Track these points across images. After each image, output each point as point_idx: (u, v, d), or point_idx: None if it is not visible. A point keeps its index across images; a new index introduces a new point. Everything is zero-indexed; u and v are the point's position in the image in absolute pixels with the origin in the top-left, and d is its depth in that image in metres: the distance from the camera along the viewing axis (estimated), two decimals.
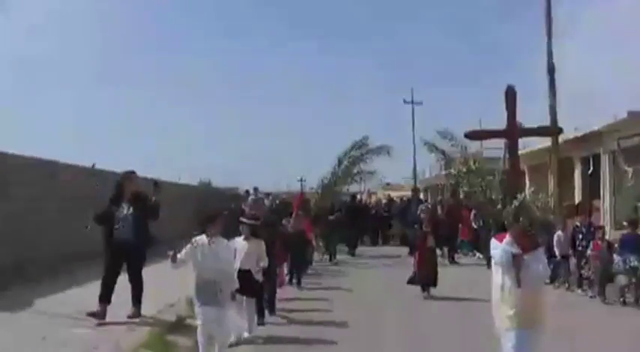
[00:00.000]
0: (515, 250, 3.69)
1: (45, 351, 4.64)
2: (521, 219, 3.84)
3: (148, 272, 5.89)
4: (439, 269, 7.85)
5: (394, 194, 25.02)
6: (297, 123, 76.49)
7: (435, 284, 7.61)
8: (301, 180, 15.88)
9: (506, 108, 8.31)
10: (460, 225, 12.85)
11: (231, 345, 4.88)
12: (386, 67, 70.06)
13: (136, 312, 5.58)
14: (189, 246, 4.55)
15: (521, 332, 3.63)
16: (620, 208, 12.92)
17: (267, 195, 15.57)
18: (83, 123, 51.06)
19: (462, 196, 13.59)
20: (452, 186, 22.44)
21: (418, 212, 9.08)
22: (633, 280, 7.00)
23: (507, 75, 58.43)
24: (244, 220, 5.49)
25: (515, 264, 3.64)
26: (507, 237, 3.79)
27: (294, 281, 8.42)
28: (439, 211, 12.80)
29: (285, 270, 8.30)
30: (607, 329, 5.92)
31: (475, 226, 12.41)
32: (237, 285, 4.77)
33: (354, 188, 18.27)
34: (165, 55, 60.67)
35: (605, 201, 13.24)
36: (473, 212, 12.70)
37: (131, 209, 5.60)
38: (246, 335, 5.22)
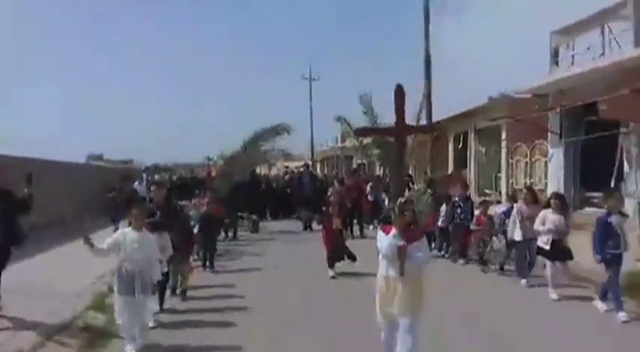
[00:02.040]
0: (401, 242, 4.00)
1: None
2: (405, 212, 4.12)
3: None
4: (349, 244, 8.36)
5: (293, 164, 25.72)
6: (197, 100, 74.83)
7: (353, 258, 8.02)
8: (209, 158, 15.68)
9: (395, 106, 8.94)
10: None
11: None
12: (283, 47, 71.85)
13: None
14: (115, 236, 4.66)
15: (401, 321, 4.00)
16: (482, 178, 15.49)
17: (166, 170, 15.15)
18: None
19: (354, 167, 14.77)
20: (346, 159, 23.86)
21: (329, 193, 9.28)
22: (514, 249, 7.43)
23: (394, 47, 61.90)
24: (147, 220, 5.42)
25: (400, 256, 3.98)
26: (393, 230, 4.06)
27: (207, 265, 8.42)
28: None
29: (195, 256, 8.33)
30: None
31: (371, 199, 13.03)
32: (159, 277, 4.98)
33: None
34: None
35: (471, 172, 15.54)
36: (369, 184, 13.47)
37: None
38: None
